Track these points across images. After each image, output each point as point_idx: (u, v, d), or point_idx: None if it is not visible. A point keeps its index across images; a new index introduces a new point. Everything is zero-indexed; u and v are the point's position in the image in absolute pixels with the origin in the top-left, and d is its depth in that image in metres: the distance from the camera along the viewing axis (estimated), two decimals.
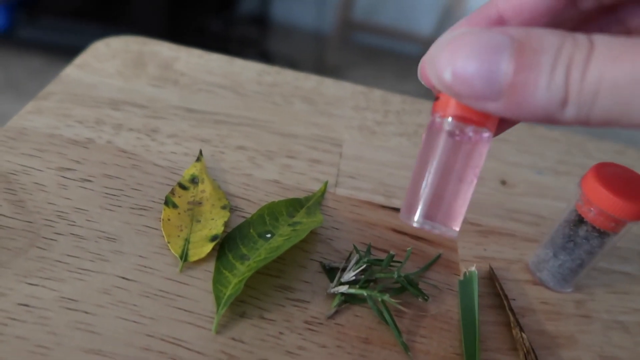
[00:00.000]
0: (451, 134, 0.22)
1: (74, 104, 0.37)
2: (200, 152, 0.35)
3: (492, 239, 0.35)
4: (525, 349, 0.27)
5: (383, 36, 2.16)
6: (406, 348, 0.27)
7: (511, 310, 0.29)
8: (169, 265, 0.28)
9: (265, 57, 1.88)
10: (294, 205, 0.32)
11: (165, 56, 0.45)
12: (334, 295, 0.29)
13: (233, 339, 0.26)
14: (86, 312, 0.25)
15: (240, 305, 0.27)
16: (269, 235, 0.30)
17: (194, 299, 0.27)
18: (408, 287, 0.28)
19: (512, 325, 0.29)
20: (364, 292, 0.28)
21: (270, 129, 0.40)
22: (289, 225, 0.30)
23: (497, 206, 0.38)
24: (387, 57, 2.19)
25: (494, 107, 0.18)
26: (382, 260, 0.30)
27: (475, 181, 0.23)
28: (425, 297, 0.29)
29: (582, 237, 0.30)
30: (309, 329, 0.27)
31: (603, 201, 0.28)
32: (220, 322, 0.26)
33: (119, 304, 0.26)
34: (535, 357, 0.27)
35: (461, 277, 0.31)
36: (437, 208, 0.24)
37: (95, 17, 1.70)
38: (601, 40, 0.17)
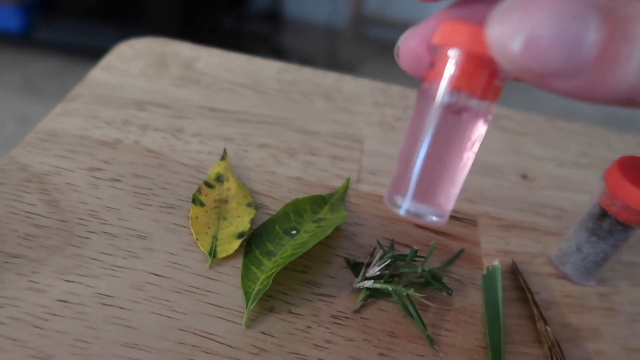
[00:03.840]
0: (448, 107, 0.19)
1: (101, 105, 0.38)
2: (225, 150, 0.36)
3: (515, 233, 0.35)
4: (549, 342, 0.28)
5: (396, 30, 2.15)
6: (432, 341, 0.27)
7: (535, 303, 0.30)
8: (198, 261, 0.29)
9: (278, 53, 1.89)
10: (318, 202, 0.33)
11: (186, 56, 0.46)
12: (359, 290, 0.29)
13: (263, 333, 0.26)
14: (121, 308, 0.26)
15: (269, 300, 0.28)
16: (294, 232, 0.30)
17: (223, 295, 0.28)
18: (432, 282, 0.29)
19: (536, 318, 0.29)
20: (389, 287, 0.28)
21: (292, 126, 0.40)
22: (314, 221, 0.31)
23: (518, 200, 0.38)
24: None
25: (567, 85, 0.15)
26: (405, 255, 0.30)
27: (472, 159, 0.21)
28: (449, 292, 0.29)
29: (605, 230, 0.30)
30: (336, 323, 0.27)
31: (627, 194, 0.28)
32: (251, 316, 0.27)
33: (152, 299, 0.27)
34: (560, 349, 0.28)
35: (484, 271, 0.31)
36: (427, 189, 0.21)
37: (111, 18, 1.72)
38: None
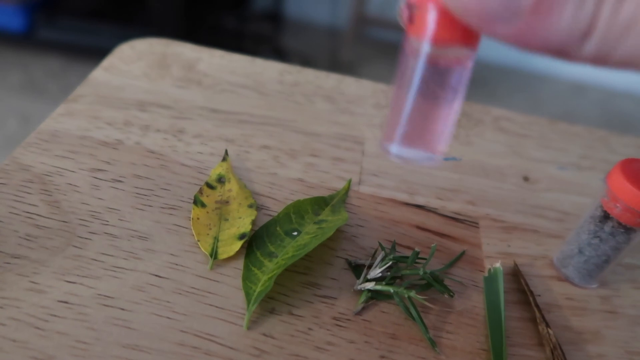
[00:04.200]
0: (429, 58, 0.20)
1: (103, 105, 0.38)
2: (226, 151, 0.36)
3: (516, 235, 0.35)
4: (551, 345, 0.28)
5: (398, 31, 2.15)
6: (433, 344, 0.27)
7: (537, 306, 0.30)
8: (199, 263, 0.29)
9: (279, 53, 1.89)
10: (319, 203, 0.33)
11: (188, 57, 0.46)
12: (360, 291, 0.29)
13: (264, 334, 0.26)
14: (122, 309, 0.26)
15: (270, 302, 0.28)
16: (295, 233, 0.30)
17: (224, 296, 0.28)
18: (433, 284, 0.29)
19: (537, 320, 0.29)
20: (391, 289, 0.28)
21: (293, 128, 0.40)
22: (315, 223, 0.31)
23: (520, 202, 0.38)
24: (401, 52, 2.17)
25: (504, 30, 0.16)
26: (407, 257, 0.30)
27: (458, 102, 0.22)
28: (451, 294, 0.29)
29: (607, 232, 0.30)
30: (337, 325, 0.27)
31: (629, 197, 0.28)
32: (251, 318, 0.27)
33: (153, 300, 0.27)
34: (562, 352, 0.27)
35: (486, 274, 0.31)
36: (417, 134, 0.23)
37: (112, 18, 1.72)
38: None
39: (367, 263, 0.30)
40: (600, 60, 0.15)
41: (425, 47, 0.19)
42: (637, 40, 0.15)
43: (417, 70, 0.20)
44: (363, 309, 0.28)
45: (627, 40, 0.15)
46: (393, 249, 0.31)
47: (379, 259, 0.30)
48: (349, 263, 0.31)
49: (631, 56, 0.15)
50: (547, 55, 0.16)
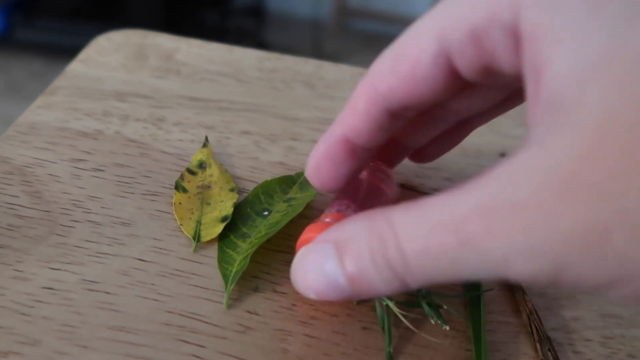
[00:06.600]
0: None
1: (81, 97, 0.38)
2: (206, 138, 0.36)
3: None
4: (528, 310, 0.28)
5: (380, 21, 2.15)
6: (390, 358, 0.26)
7: None
8: (182, 246, 0.29)
9: (263, 47, 1.89)
10: (287, 182, 0.34)
11: (166, 47, 0.46)
12: None
13: (248, 311, 0.27)
14: (107, 293, 0.27)
15: (253, 281, 0.28)
16: (266, 213, 0.31)
17: (208, 277, 0.28)
18: (423, 306, 0.26)
19: (514, 288, 0.30)
20: None
21: (273, 113, 0.41)
22: (284, 201, 0.32)
23: None
24: (385, 42, 2.18)
25: (355, 297, 0.23)
26: None
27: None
28: (445, 325, 0.26)
29: None
30: (321, 301, 0.28)
31: None
32: (235, 296, 0.27)
33: (138, 283, 0.27)
34: (538, 317, 0.28)
35: None
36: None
37: (93, 17, 1.70)
38: (400, 220, 0.19)
39: None
40: (428, 285, 0.21)
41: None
42: (432, 271, 0.19)
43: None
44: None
45: (427, 273, 0.19)
46: None
47: None
48: None
49: (440, 280, 0.19)
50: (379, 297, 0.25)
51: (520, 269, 0.17)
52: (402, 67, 0.22)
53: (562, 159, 0.16)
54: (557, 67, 0.16)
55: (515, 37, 0.19)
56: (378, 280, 0.20)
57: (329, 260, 0.21)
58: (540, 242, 0.16)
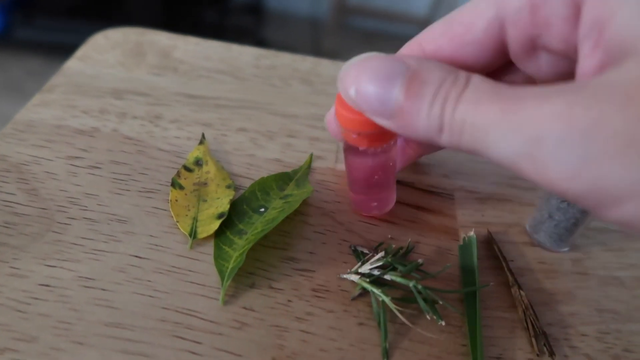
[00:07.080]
0: (360, 153, 0.28)
1: (78, 95, 0.38)
2: (203, 135, 0.36)
3: (490, 205, 0.36)
4: (524, 305, 0.29)
5: (379, 19, 2.15)
6: (385, 355, 0.26)
7: (509, 270, 0.31)
8: (179, 243, 0.30)
9: (261, 45, 1.89)
10: (283, 179, 0.34)
11: (164, 45, 0.46)
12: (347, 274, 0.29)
13: (244, 308, 0.27)
14: (104, 289, 0.27)
15: (250, 277, 0.28)
16: (262, 210, 0.31)
17: (204, 273, 0.28)
18: (420, 302, 0.27)
19: (510, 284, 0.30)
20: (372, 288, 0.27)
21: (270, 110, 0.41)
22: (281, 198, 0.32)
23: (493, 174, 0.39)
24: (384, 40, 2.18)
25: (387, 124, 0.22)
26: (405, 265, 0.28)
27: (393, 173, 0.31)
28: (440, 320, 0.26)
29: None
30: (316, 296, 0.28)
31: None
32: (231, 293, 0.27)
33: (134, 280, 0.27)
34: (534, 312, 0.28)
35: (461, 242, 0.32)
36: (370, 203, 0.32)
37: (92, 15, 1.70)
38: (474, 83, 0.19)
39: (364, 259, 0.29)
40: (456, 149, 0.20)
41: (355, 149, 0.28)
42: (469, 139, 0.19)
43: (355, 162, 0.30)
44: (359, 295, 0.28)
45: (464, 139, 0.19)
46: (394, 252, 0.30)
47: (377, 257, 0.29)
48: (354, 249, 0.30)
49: (472, 150, 0.20)
50: (425, 141, 0.22)
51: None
52: (455, 29, 0.24)
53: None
54: (625, 17, 0.18)
55: (574, 5, 0.20)
56: (424, 116, 0.20)
57: (396, 78, 0.20)
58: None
